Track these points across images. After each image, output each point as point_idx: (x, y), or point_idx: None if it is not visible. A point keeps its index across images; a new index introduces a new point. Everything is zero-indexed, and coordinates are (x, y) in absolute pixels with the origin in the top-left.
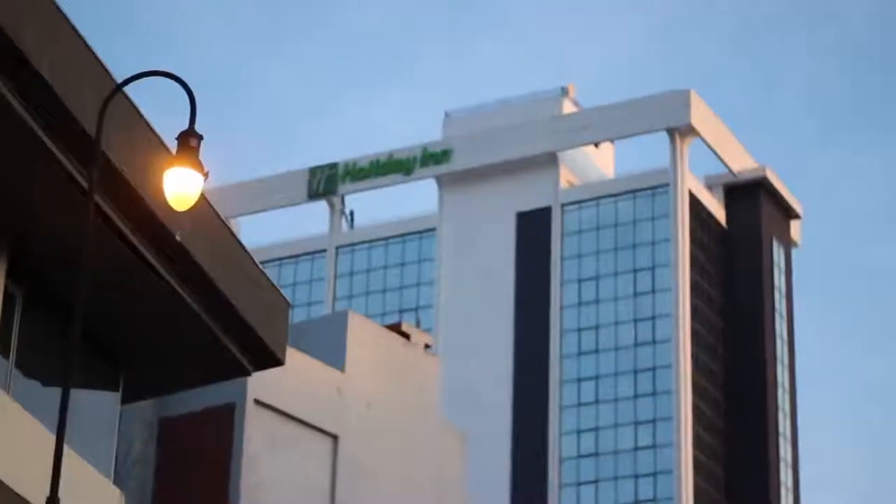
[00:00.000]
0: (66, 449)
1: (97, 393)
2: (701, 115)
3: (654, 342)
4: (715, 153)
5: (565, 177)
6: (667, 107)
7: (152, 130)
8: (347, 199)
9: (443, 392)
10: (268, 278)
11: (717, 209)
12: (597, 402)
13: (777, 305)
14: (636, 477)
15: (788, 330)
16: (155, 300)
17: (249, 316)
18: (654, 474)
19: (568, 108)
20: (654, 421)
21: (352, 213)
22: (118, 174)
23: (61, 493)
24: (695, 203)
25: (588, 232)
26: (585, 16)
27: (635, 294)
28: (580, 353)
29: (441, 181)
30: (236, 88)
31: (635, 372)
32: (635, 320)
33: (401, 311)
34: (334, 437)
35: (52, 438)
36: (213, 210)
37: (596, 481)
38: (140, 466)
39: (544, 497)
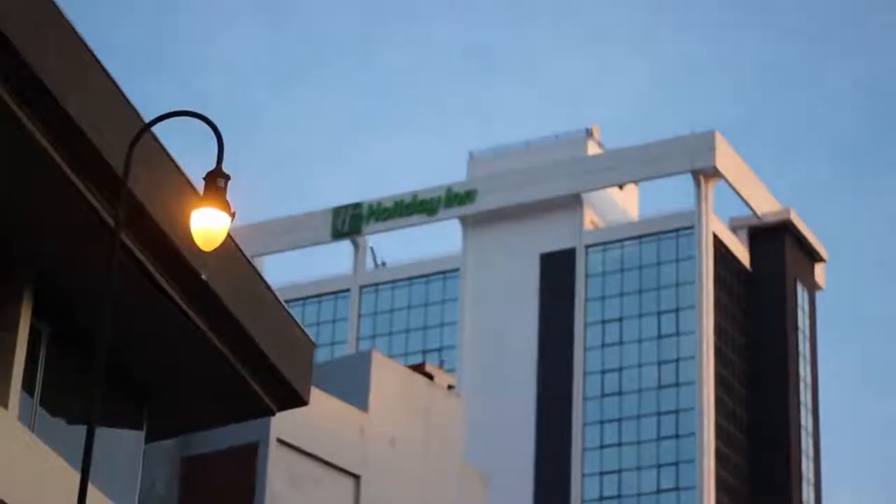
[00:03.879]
0: (89, 487)
1: (121, 431)
2: (725, 158)
3: (677, 384)
4: (739, 196)
5: (589, 218)
6: (691, 149)
7: (179, 170)
8: (373, 240)
9: (465, 433)
10: (293, 318)
11: (742, 252)
12: (620, 444)
13: (801, 348)
14: None
15: (812, 373)
16: (180, 339)
17: (274, 355)
18: None
19: (592, 149)
20: (677, 464)
21: (384, 263)
22: (145, 213)
23: None
24: (719, 245)
25: (612, 274)
26: (609, 57)
27: (659, 336)
28: (603, 395)
29: (465, 222)
30: (261, 129)
31: (659, 414)
32: (659, 362)
33: (424, 352)
34: (357, 478)
35: (77, 476)
36: (239, 249)
37: None
38: None
39: None
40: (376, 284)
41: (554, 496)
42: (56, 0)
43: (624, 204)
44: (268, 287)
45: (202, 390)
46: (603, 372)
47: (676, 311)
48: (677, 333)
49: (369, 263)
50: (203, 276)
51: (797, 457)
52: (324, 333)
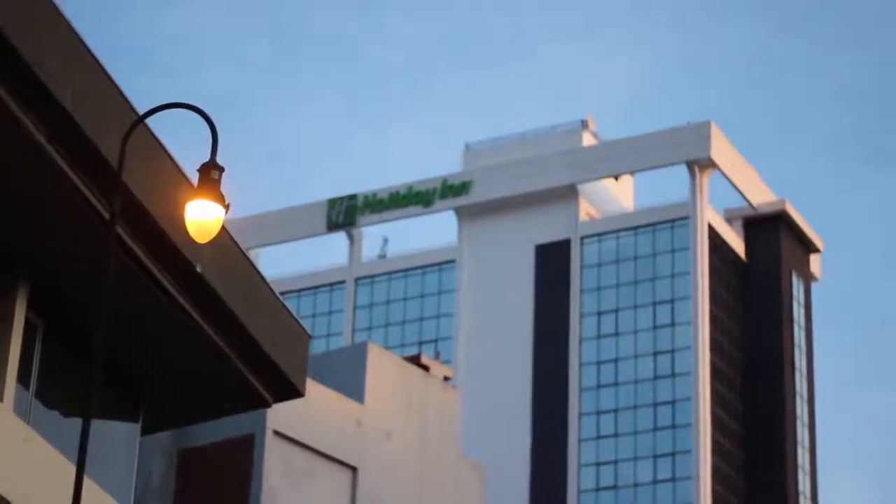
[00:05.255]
0: (85, 479)
1: (117, 423)
2: (721, 148)
3: (673, 375)
4: (734, 186)
5: (585, 209)
6: (686, 140)
7: (174, 162)
8: (367, 231)
9: (462, 424)
10: (288, 310)
11: (737, 242)
12: (616, 434)
13: (796, 339)
14: None
15: (807, 363)
16: (175, 331)
17: (269, 347)
18: None
19: (588, 140)
20: (673, 454)
21: (384, 255)
22: (140, 206)
23: None
24: (714, 236)
25: (607, 265)
26: (605, 48)
27: (654, 327)
28: (599, 386)
29: (460, 213)
30: (256, 121)
31: (654, 405)
32: (654, 353)
33: (420, 343)
34: (353, 469)
35: (73, 469)
36: (234, 242)
37: None
38: (159, 497)
39: None
40: (372, 276)
41: (550, 487)
42: None
43: (619, 195)
44: (263, 279)
45: (198, 382)
46: (599, 363)
47: (672, 301)
48: (673, 324)
49: (368, 252)
50: (198, 269)
51: (793, 447)
52: (319, 325)
